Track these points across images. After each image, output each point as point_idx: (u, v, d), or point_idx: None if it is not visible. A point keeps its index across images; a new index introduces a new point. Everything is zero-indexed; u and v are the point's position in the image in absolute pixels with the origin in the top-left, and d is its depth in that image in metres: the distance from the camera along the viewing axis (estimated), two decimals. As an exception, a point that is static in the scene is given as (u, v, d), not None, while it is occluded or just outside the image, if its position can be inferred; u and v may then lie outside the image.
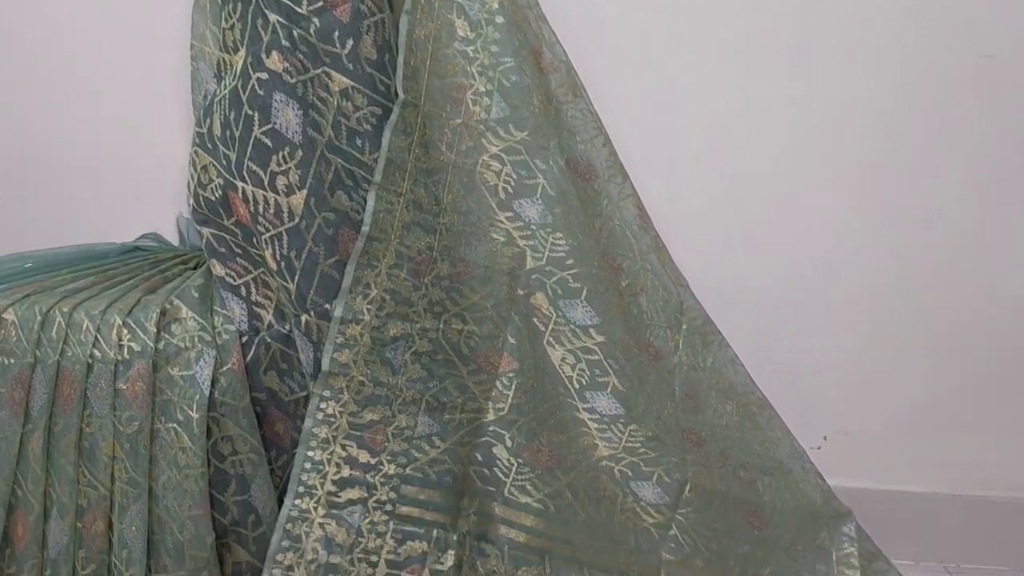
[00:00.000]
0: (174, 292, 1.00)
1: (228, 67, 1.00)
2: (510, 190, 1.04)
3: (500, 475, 1.00)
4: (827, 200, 1.15)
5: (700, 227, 1.16)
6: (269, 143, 0.96)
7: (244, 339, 0.99)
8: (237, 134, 0.97)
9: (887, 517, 1.17)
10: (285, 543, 0.93)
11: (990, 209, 1.15)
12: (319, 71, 0.96)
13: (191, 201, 1.05)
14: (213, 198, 1.02)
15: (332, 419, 0.96)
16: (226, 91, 0.99)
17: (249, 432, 0.98)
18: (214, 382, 0.95)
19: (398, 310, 0.99)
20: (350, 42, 0.96)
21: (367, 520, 0.95)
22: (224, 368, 0.96)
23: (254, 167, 0.97)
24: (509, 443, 1.00)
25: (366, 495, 0.96)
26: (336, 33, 0.95)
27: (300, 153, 0.96)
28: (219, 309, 1.00)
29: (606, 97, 1.10)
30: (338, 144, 0.98)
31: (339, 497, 0.95)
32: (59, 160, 1.20)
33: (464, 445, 1.00)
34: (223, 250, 1.04)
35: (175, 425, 0.93)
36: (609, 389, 1.05)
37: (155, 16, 1.11)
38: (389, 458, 0.97)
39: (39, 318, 0.94)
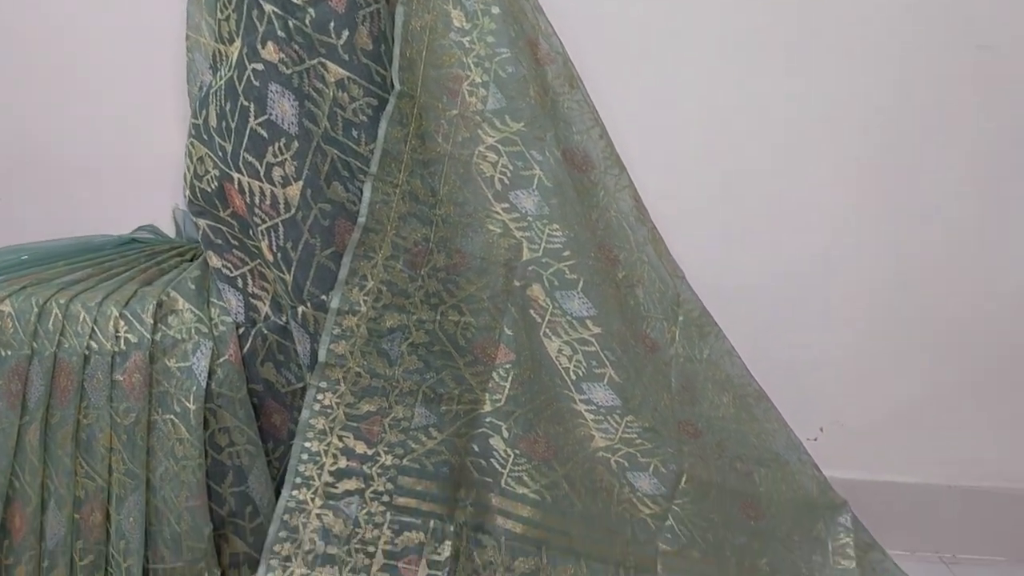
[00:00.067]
0: (171, 284, 1.00)
1: (224, 58, 1.00)
2: (506, 181, 1.04)
3: (497, 466, 1.00)
4: (825, 196, 1.15)
5: (698, 223, 1.16)
6: (265, 134, 0.96)
7: (241, 330, 0.99)
8: (233, 125, 0.97)
9: (883, 508, 1.17)
10: (282, 534, 0.93)
11: (988, 205, 1.14)
12: (315, 62, 0.96)
13: (187, 193, 1.05)
14: (209, 189, 1.02)
15: (329, 410, 0.96)
16: (222, 82, 0.99)
17: (246, 423, 0.98)
18: (211, 373, 0.95)
19: (395, 301, 0.99)
20: (346, 32, 0.96)
21: (364, 511, 0.95)
22: (221, 359, 0.96)
23: (250, 158, 0.97)
24: (506, 434, 1.00)
25: (363, 486, 0.96)
26: (332, 23, 0.95)
27: (296, 144, 0.96)
28: (216, 301, 1.00)
29: (604, 93, 1.10)
30: (334, 135, 0.98)
31: (336, 488, 0.95)
32: (59, 159, 1.21)
33: (461, 436, 1.00)
34: (219, 242, 1.04)
35: (172, 416, 0.93)
36: (606, 380, 1.05)
37: (155, 16, 1.11)
38: (386, 449, 0.97)
39: (36, 310, 0.93)
